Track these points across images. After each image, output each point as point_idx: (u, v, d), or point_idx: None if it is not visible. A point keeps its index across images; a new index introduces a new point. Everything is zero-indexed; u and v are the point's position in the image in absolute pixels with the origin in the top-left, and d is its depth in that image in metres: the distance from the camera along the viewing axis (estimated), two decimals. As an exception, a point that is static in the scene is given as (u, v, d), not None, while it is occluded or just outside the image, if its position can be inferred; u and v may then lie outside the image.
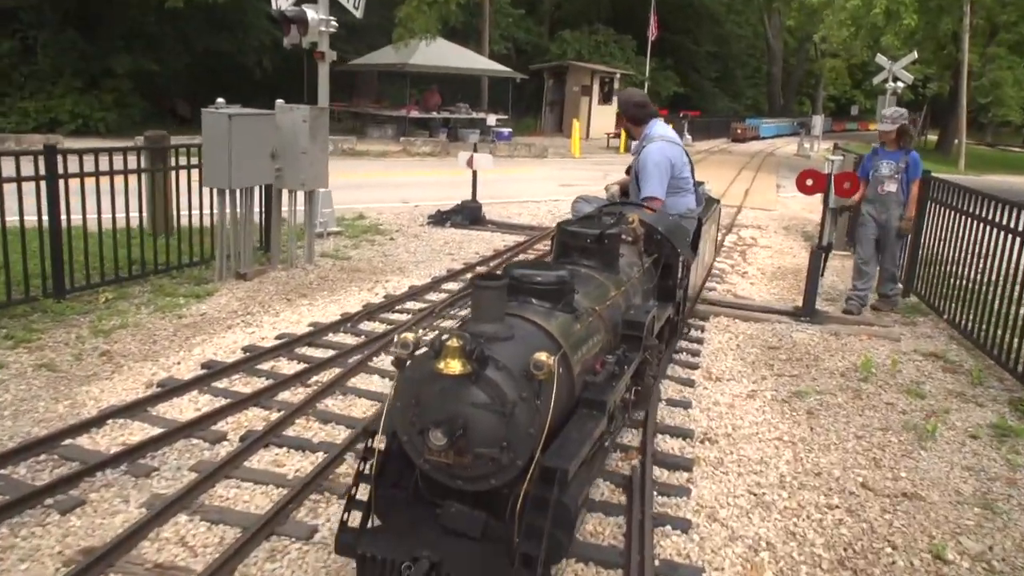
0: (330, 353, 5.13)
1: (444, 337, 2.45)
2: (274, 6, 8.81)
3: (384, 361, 5.11)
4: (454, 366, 2.42)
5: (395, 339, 2.62)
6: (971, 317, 6.25)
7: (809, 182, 6.70)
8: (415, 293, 6.73)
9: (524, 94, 35.95)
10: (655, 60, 41.21)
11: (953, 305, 6.62)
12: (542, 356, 2.48)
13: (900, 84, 27.09)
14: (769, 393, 5.05)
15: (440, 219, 10.38)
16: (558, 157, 22.75)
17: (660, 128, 5.45)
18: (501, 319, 2.70)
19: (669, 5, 43.94)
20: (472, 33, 30.90)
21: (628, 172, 5.65)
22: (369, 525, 2.67)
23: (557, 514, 2.47)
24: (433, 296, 6.77)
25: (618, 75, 31.88)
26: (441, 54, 25.88)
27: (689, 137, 30.98)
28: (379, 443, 2.68)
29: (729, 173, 19.39)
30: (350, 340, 5.48)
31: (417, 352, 2.60)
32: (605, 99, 31.36)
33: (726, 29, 49.97)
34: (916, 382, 5.44)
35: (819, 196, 6.92)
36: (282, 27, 8.47)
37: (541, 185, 14.91)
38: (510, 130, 26.21)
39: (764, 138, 39.32)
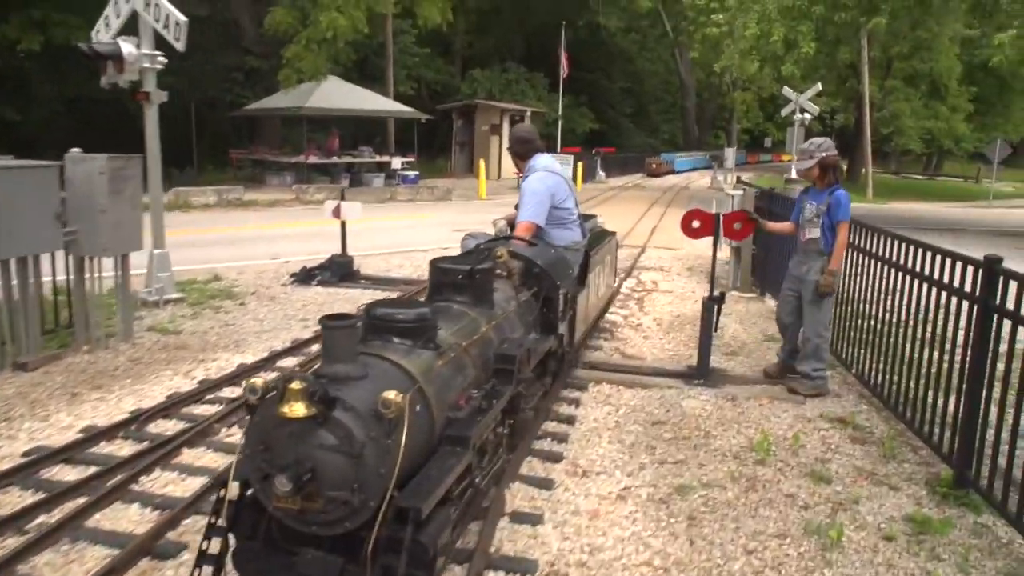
0: (87, 473, 3.98)
1: (287, 380, 2.45)
2: (93, 38, 7.69)
3: (157, 481, 3.98)
4: (298, 409, 2.42)
5: (245, 384, 2.60)
6: (878, 370, 5.47)
7: (695, 224, 5.88)
8: (239, 375, 5.61)
9: (437, 135, 35.26)
10: (569, 97, 41.15)
11: (861, 354, 5.84)
12: (390, 394, 2.49)
13: (807, 116, 27.33)
14: (645, 491, 4.10)
15: (306, 277, 9.28)
16: (463, 200, 21.90)
17: (543, 160, 5.56)
18: (353, 359, 2.69)
19: (581, 44, 44.18)
20: (378, 73, 30.05)
21: (517, 207, 5.60)
22: None
23: (414, 554, 2.47)
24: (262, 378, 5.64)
25: (528, 112, 31.43)
26: (341, 96, 24.92)
27: (602, 174, 30.71)
28: (230, 493, 2.65)
29: (638, 209, 18.82)
30: (125, 450, 4.33)
31: (267, 397, 2.56)
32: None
33: (638, 66, 50.58)
34: (821, 460, 4.57)
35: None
36: (98, 66, 7.32)
37: (434, 231, 13.94)
38: (416, 173, 25.32)
39: (679, 172, 39.47)
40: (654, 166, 36.45)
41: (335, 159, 24.74)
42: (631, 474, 4.30)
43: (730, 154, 30.59)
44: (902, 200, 31.56)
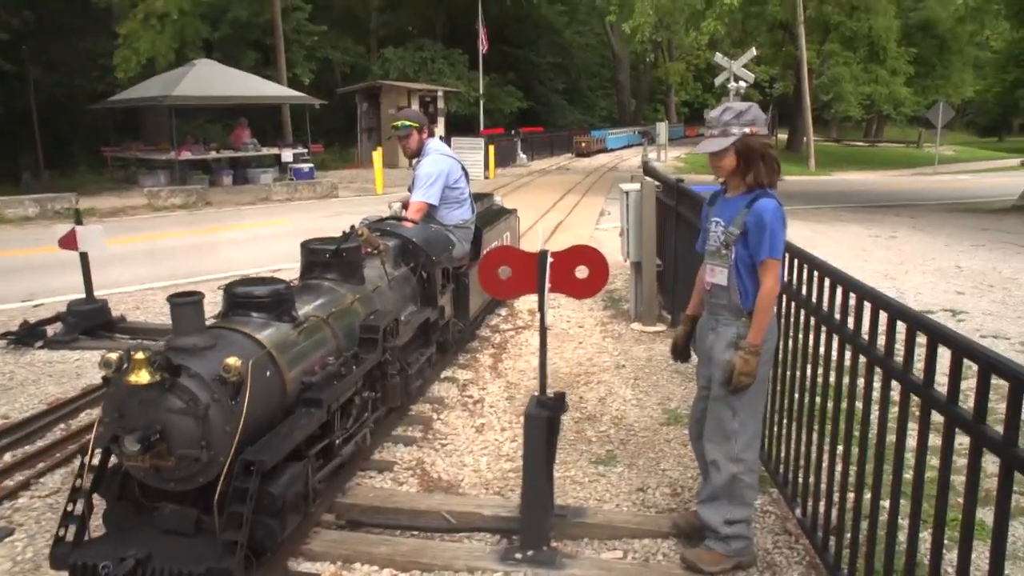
0: None
1: (132, 351, 2.70)
2: None
3: None
4: (143, 376, 2.65)
5: (101, 358, 2.78)
6: (843, 523, 2.95)
7: (502, 273, 3.26)
8: None
9: (352, 122, 32.20)
10: (495, 75, 38.32)
11: (808, 487, 3.32)
12: (231, 360, 2.77)
13: (743, 84, 25.05)
14: None
15: (28, 334, 6.47)
16: (355, 195, 19.08)
17: (434, 144, 5.74)
18: (199, 331, 2.97)
19: (506, 18, 41.28)
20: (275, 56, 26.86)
21: (410, 189, 5.81)
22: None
23: (263, 503, 2.75)
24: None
25: (440, 93, 28.50)
26: (217, 81, 21.70)
27: (523, 156, 28.05)
28: (93, 458, 2.89)
29: (549, 200, 16.20)
30: None
31: (122, 369, 2.74)
32: (429, 121, 27.91)
33: (567, 39, 47.84)
34: None
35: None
36: None
37: (282, 245, 10.98)
38: (311, 166, 22.29)
39: (612, 150, 36.90)
40: (583, 145, 33.63)
41: (212, 154, 21.58)
42: None
43: (662, 128, 28.12)
44: (846, 170, 29.68)
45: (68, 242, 6.49)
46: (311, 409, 3.18)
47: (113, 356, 2.75)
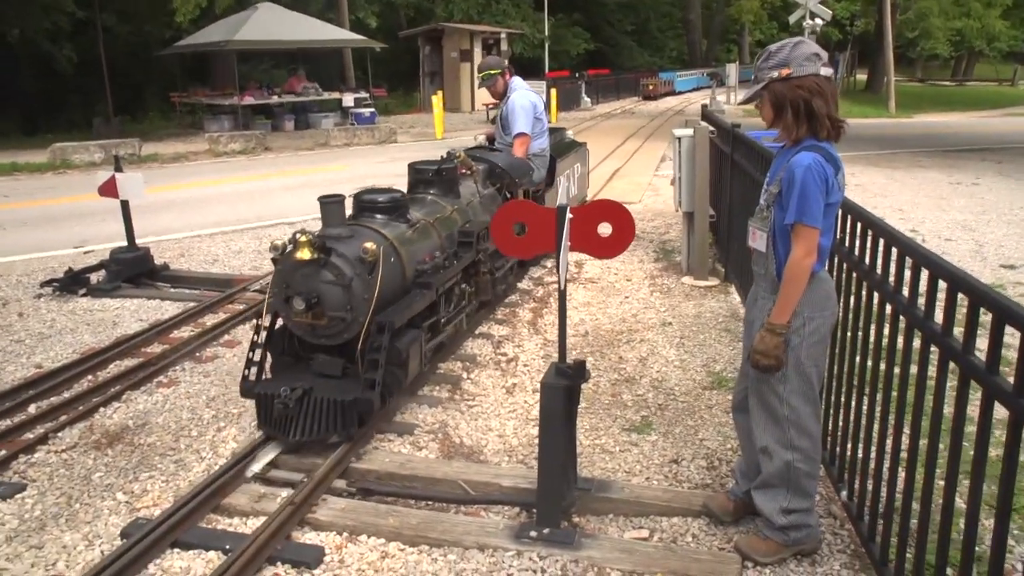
0: None
1: (298, 236, 3.51)
2: None
3: None
4: (305, 253, 3.50)
5: (270, 244, 3.64)
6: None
7: (517, 229, 2.97)
8: None
9: (417, 66, 31.81)
10: (561, 16, 37.26)
11: (856, 468, 2.98)
12: (368, 244, 3.61)
13: (819, 21, 23.68)
14: None
15: (72, 282, 6.47)
16: (413, 140, 18.83)
17: (517, 82, 6.54)
18: (343, 224, 3.84)
19: (572, -46, 39.86)
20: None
21: (494, 122, 6.92)
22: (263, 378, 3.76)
23: (391, 355, 3.61)
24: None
25: (503, 35, 27.81)
26: (278, 25, 21.59)
27: (587, 100, 27.29)
28: (265, 321, 3.76)
29: (609, 145, 15.65)
30: None
31: (285, 253, 3.59)
32: (496, 63, 27.31)
33: (635, -24, 46.06)
34: None
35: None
36: None
37: (334, 190, 10.93)
38: (373, 111, 22.11)
39: (681, 92, 35.64)
40: (651, 87, 32.47)
41: (273, 99, 21.57)
42: None
43: (732, 70, 26.91)
44: (929, 112, 27.97)
45: (108, 190, 6.44)
46: (423, 290, 4.05)
47: (279, 242, 3.57)
